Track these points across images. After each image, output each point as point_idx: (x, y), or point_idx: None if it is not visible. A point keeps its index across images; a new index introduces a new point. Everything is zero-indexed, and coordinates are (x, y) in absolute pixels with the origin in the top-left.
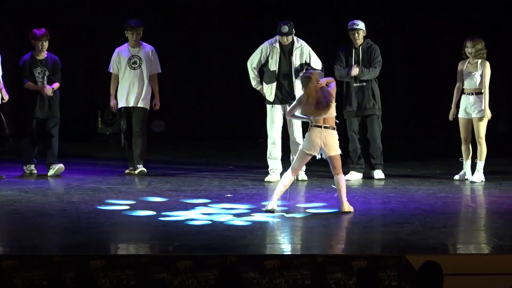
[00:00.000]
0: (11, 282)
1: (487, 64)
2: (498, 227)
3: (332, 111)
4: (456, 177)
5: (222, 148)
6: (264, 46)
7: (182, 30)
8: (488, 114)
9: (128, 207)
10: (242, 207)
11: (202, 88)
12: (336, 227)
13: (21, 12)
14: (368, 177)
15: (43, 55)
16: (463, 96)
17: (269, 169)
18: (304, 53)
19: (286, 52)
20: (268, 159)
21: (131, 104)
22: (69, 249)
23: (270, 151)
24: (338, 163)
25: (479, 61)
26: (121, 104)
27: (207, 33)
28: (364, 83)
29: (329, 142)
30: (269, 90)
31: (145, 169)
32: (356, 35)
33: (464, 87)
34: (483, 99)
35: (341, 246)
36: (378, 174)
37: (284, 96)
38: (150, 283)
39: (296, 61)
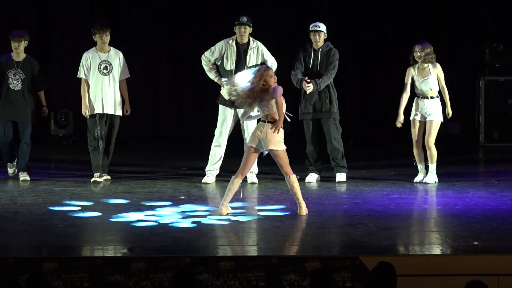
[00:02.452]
0: None
1: (439, 66)
2: (451, 228)
3: (273, 109)
4: (416, 179)
5: (175, 150)
6: (220, 45)
7: (131, 27)
8: (450, 112)
9: (81, 208)
10: (196, 209)
11: (155, 87)
12: (290, 229)
13: None
14: (324, 179)
15: (21, 56)
16: (417, 100)
17: (206, 169)
18: (259, 53)
19: (242, 51)
20: (209, 160)
21: (106, 111)
22: (23, 251)
23: (214, 153)
24: (282, 160)
25: (430, 65)
26: (97, 110)
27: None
28: None
29: (268, 136)
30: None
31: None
32: (317, 37)
33: (417, 92)
34: (445, 98)
35: (295, 247)
36: (339, 177)
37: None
38: (104, 285)
39: (251, 61)
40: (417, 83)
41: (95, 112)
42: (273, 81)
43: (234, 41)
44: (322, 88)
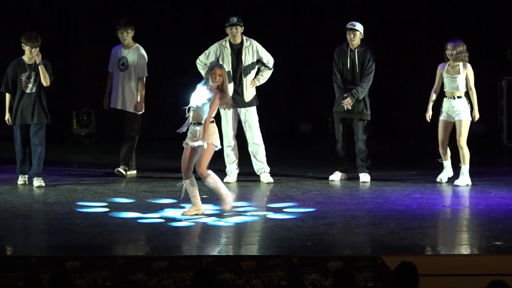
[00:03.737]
0: None
1: (469, 67)
2: (473, 228)
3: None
4: (439, 178)
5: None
6: (214, 47)
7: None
8: (477, 115)
9: (104, 208)
10: (218, 208)
11: (177, 88)
12: (312, 228)
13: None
14: (353, 178)
15: (33, 60)
16: (445, 99)
17: (226, 170)
18: (254, 50)
19: (236, 51)
20: (226, 162)
21: (119, 107)
22: (45, 250)
23: (227, 154)
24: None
25: (461, 64)
26: (113, 105)
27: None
28: (355, 87)
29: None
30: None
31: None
32: (352, 35)
33: (445, 90)
34: (472, 100)
35: (317, 247)
36: (363, 177)
37: (240, 96)
38: (126, 284)
39: (247, 60)
40: (445, 81)
41: (111, 107)
42: (216, 79)
43: (228, 42)
44: (362, 96)
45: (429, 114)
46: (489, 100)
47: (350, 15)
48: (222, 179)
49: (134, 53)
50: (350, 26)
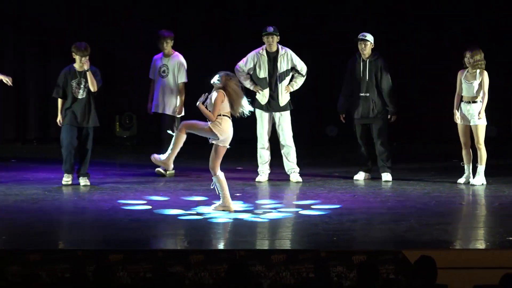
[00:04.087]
0: (37, 275)
1: (486, 74)
2: (488, 224)
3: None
4: (460, 180)
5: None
6: (252, 55)
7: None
8: (482, 117)
9: (144, 205)
10: (250, 205)
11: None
12: (338, 224)
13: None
14: (375, 177)
15: (83, 67)
16: (462, 104)
17: (258, 170)
18: (289, 59)
19: (272, 59)
20: (258, 162)
21: (160, 111)
22: (90, 244)
23: (261, 155)
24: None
25: (478, 71)
26: (154, 109)
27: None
28: (368, 94)
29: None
30: (262, 95)
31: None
32: (363, 45)
33: (463, 95)
34: (482, 103)
35: (342, 241)
36: (385, 176)
37: (275, 101)
38: (165, 276)
39: (282, 67)
40: (463, 86)
41: (153, 111)
42: (222, 79)
43: (264, 50)
44: (392, 107)
45: (456, 116)
46: (503, 105)
47: (375, 21)
48: (254, 178)
49: (174, 61)
50: (361, 37)
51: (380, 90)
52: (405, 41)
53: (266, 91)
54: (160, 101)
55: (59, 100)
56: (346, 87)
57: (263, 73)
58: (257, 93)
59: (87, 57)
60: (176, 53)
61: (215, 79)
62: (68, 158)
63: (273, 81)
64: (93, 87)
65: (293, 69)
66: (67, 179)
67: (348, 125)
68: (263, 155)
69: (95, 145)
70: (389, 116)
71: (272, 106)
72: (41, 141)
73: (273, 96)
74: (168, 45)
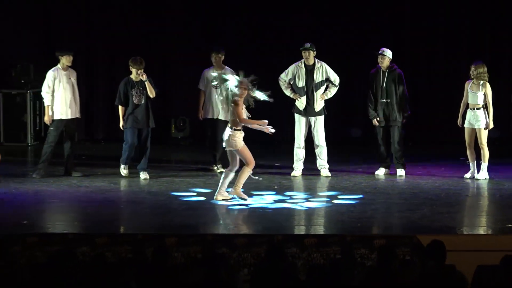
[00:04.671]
0: (103, 255)
1: (488, 85)
2: (490, 213)
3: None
4: (466, 175)
5: (263, 149)
6: (292, 67)
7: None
8: (491, 125)
9: (196, 196)
10: (287, 196)
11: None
12: (361, 213)
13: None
14: (394, 173)
15: (139, 78)
16: (468, 110)
17: (293, 166)
18: (323, 71)
19: (309, 70)
20: (294, 159)
21: (215, 117)
22: (149, 229)
23: (296, 153)
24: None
25: (481, 82)
26: (207, 115)
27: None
28: (389, 100)
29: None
30: (300, 102)
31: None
32: (381, 59)
33: (468, 103)
34: (487, 112)
35: (365, 227)
36: (400, 172)
37: (311, 107)
38: (213, 257)
39: (318, 78)
40: (469, 95)
41: (206, 116)
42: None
43: (303, 63)
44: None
45: (459, 121)
46: (503, 110)
47: (397, 27)
48: (290, 173)
49: (225, 73)
50: (380, 52)
51: (397, 96)
52: (422, 56)
53: (304, 99)
54: (213, 108)
55: (120, 107)
56: (371, 96)
57: (301, 82)
58: (296, 100)
59: (142, 70)
60: (226, 66)
61: (234, 88)
62: (129, 154)
63: (309, 90)
64: (152, 94)
65: (328, 80)
66: (125, 170)
67: (370, 128)
68: (299, 153)
69: (154, 145)
70: (404, 120)
71: (308, 111)
72: (107, 140)
73: (310, 103)
74: (219, 59)
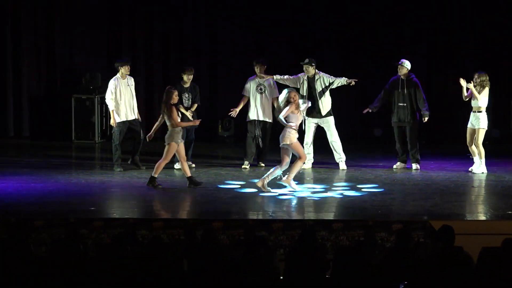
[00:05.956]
0: (159, 237)
1: (486, 89)
2: (493, 201)
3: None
4: (470, 168)
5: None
6: (297, 77)
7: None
8: (464, 83)
9: (239, 186)
10: (317, 187)
11: None
12: (381, 201)
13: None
14: (410, 167)
15: (188, 83)
16: (471, 113)
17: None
18: (323, 81)
19: (310, 81)
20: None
21: (261, 118)
22: (199, 214)
23: (304, 149)
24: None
25: (482, 88)
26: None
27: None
28: (405, 104)
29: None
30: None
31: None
32: (400, 69)
33: (472, 106)
34: (472, 91)
35: (384, 214)
36: (415, 166)
37: (313, 112)
38: (253, 238)
39: (318, 88)
40: (472, 99)
41: (252, 118)
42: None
43: (306, 75)
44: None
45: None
46: (504, 112)
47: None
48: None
49: (268, 81)
50: (399, 63)
51: (413, 101)
52: (435, 67)
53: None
54: (258, 111)
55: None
56: (383, 96)
57: (303, 91)
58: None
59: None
60: (265, 75)
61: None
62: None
63: (311, 98)
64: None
65: (330, 84)
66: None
67: (389, 128)
68: (307, 149)
69: (203, 142)
70: (423, 118)
71: (313, 115)
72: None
73: (316, 108)
74: (263, 70)
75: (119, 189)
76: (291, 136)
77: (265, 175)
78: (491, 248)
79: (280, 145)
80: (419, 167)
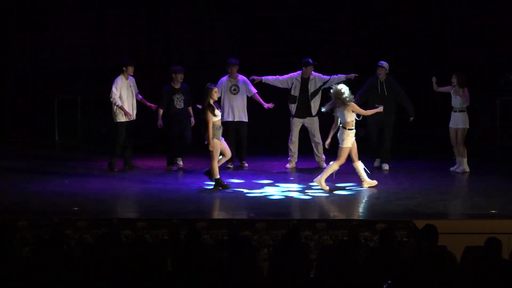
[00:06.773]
0: (143, 237)
1: (466, 89)
2: (476, 201)
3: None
4: (452, 168)
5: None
6: (289, 77)
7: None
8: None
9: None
10: (300, 187)
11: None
12: (365, 200)
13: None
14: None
15: (178, 84)
16: (452, 112)
17: (288, 159)
18: (317, 81)
19: (304, 83)
20: (289, 153)
21: (236, 119)
22: (183, 214)
23: (291, 148)
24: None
25: (460, 88)
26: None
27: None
28: (384, 104)
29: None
30: (293, 108)
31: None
32: (380, 70)
33: (452, 106)
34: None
35: (369, 213)
36: (385, 166)
37: (302, 112)
38: (237, 239)
39: (311, 89)
40: (452, 98)
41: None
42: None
43: (300, 76)
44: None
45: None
46: (488, 113)
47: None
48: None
49: (241, 81)
50: (379, 64)
51: (392, 102)
52: (416, 67)
53: (295, 105)
54: (235, 112)
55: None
56: (362, 97)
57: (296, 92)
58: (289, 104)
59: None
60: (239, 75)
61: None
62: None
63: (302, 99)
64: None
65: (324, 83)
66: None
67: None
68: (293, 147)
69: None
70: (410, 118)
71: (299, 114)
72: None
73: (301, 107)
74: (235, 70)
75: (103, 189)
76: (348, 137)
77: (322, 173)
78: (474, 247)
79: (340, 146)
80: (388, 167)
